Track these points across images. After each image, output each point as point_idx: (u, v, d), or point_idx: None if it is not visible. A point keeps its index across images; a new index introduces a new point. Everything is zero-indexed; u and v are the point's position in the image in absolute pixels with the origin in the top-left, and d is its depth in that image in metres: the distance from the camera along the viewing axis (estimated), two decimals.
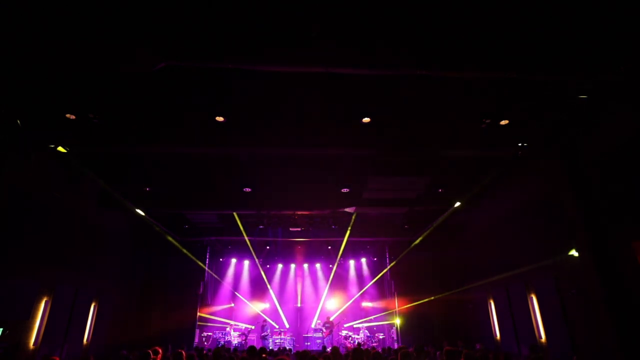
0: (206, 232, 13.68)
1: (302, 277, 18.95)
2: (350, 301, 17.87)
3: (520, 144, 7.17)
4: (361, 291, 17.86)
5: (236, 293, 17.47)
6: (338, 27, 4.53)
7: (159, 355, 5.64)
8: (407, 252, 14.43)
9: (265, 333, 15.08)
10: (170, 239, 13.01)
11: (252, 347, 6.30)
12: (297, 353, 6.58)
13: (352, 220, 11.83)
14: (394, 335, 14.96)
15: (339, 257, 16.38)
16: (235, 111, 6.40)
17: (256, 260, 16.59)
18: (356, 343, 14.19)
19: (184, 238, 13.57)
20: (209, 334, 14.97)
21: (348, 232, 12.59)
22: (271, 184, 9.61)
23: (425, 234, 12.55)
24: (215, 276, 16.72)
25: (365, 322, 16.82)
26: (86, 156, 7.97)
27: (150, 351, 5.32)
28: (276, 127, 6.86)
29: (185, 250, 13.35)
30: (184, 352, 5.32)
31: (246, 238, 13.16)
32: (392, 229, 13.32)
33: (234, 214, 11.68)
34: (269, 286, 17.86)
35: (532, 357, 7.17)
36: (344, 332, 15.60)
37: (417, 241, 13.52)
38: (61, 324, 8.90)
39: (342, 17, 4.40)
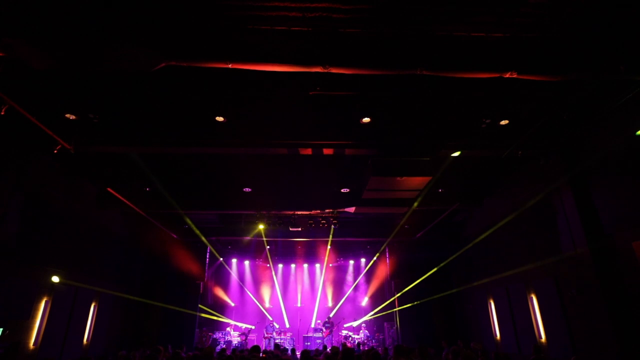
0: (206, 232, 13.68)
1: (302, 277, 18.96)
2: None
3: (520, 144, 7.16)
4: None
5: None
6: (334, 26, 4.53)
7: (161, 354, 5.67)
8: (406, 251, 14.43)
9: (269, 335, 15.08)
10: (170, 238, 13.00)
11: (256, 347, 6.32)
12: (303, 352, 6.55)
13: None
14: (394, 335, 14.97)
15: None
16: (235, 111, 6.40)
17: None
18: (356, 343, 14.18)
19: (184, 238, 13.58)
20: (209, 333, 14.97)
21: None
22: (271, 184, 9.60)
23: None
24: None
25: (365, 321, 16.82)
26: (86, 156, 7.98)
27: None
28: (276, 127, 6.86)
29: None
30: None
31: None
32: (392, 229, 13.32)
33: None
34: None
35: (536, 357, 7.17)
36: (344, 332, 15.61)
37: (417, 240, 13.51)
38: (61, 324, 8.89)
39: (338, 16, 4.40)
